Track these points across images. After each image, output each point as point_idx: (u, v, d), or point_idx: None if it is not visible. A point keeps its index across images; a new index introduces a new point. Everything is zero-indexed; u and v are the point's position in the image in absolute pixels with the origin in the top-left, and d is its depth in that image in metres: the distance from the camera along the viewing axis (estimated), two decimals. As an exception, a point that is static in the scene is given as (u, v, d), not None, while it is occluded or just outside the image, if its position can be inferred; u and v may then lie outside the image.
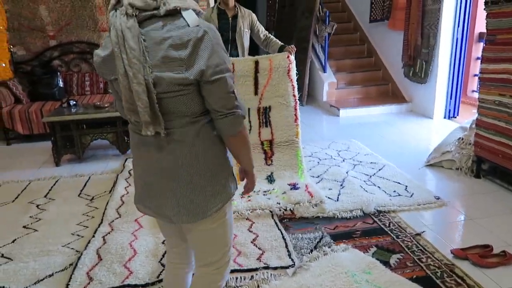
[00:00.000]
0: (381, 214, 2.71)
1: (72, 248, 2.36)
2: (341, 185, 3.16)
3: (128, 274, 2.04)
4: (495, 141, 3.04)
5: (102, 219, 2.68)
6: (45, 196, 3.14)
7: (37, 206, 2.97)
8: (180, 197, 1.19)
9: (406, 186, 3.15)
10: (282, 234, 2.42)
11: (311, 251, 2.24)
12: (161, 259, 2.18)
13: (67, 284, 1.96)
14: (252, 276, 2.00)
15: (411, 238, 2.39)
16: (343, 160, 3.78)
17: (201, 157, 1.18)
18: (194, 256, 1.43)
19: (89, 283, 1.97)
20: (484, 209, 2.74)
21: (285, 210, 2.72)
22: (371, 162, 3.71)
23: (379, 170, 3.52)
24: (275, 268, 2.08)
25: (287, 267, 2.07)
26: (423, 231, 2.47)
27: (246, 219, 2.64)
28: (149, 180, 1.23)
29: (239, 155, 1.29)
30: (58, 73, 5.14)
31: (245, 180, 1.40)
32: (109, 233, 2.49)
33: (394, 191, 3.05)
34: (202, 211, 1.22)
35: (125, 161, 3.87)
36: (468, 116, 4.62)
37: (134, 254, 2.23)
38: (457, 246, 2.28)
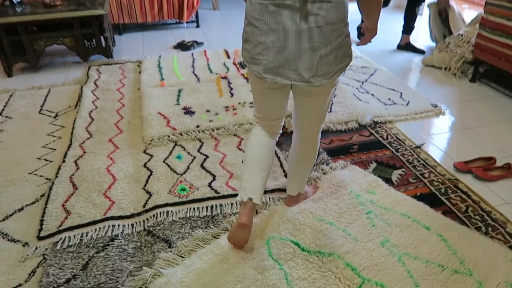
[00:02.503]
0: (377, 125, 2.54)
1: (41, 176, 2.08)
2: (333, 93, 2.91)
3: (110, 205, 1.83)
4: (500, 43, 2.80)
5: (71, 140, 2.36)
6: (0, 114, 2.73)
7: (-8, 126, 2.59)
8: (320, 58, 1.26)
9: (401, 93, 2.95)
10: (275, 151, 2.21)
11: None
12: (145, 185, 1.96)
13: (41, 220, 1.73)
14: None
15: (411, 151, 2.26)
16: (332, 65, 3.48)
17: (341, 16, 1.25)
18: (303, 120, 1.56)
19: (66, 217, 1.75)
20: (483, 117, 2.62)
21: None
22: (362, 67, 3.44)
23: (371, 75, 3.27)
24: (273, 191, 1.92)
25: (285, 190, 1.91)
26: (423, 143, 2.34)
27: (234, 135, 2.40)
28: (287, 44, 1.26)
29: (371, 17, 1.42)
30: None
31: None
32: (81, 156, 2.21)
33: (389, 99, 2.86)
34: (334, 71, 1.32)
35: (89, 70, 3.40)
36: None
37: (114, 181, 2.00)
38: (458, 158, 2.18)
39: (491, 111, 2.70)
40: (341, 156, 2.22)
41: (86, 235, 1.67)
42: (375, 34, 1.51)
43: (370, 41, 1.56)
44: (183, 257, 1.56)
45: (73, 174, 2.04)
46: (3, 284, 1.48)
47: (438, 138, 2.44)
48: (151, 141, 2.30)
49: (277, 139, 1.66)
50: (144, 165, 2.12)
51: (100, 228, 1.70)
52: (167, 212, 1.78)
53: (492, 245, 1.62)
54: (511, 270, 1.51)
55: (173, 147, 2.28)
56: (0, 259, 1.58)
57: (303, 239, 1.62)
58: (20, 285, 1.47)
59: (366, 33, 1.51)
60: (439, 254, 1.57)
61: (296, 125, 1.61)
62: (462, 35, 3.27)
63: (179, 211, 1.79)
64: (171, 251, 1.58)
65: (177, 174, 2.04)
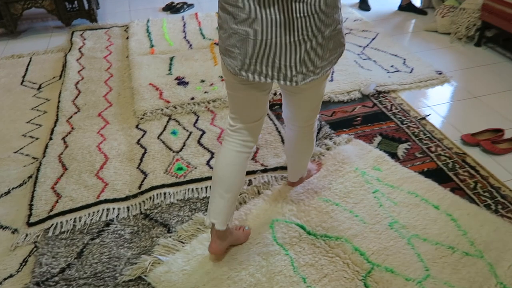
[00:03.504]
0: (380, 95, 2.43)
1: (27, 155, 1.96)
2: (325, 85, 2.76)
3: (103, 186, 1.73)
4: (510, 4, 2.64)
5: (57, 115, 2.22)
6: (-22, 86, 2.55)
7: (-29, 100, 2.41)
8: (305, 52, 1.07)
9: (404, 59, 2.81)
10: (275, 125, 2.11)
11: (311, 145, 1.97)
12: (139, 164, 1.85)
13: (30, 204, 1.63)
14: (250, 181, 1.75)
15: (417, 123, 2.17)
16: (332, 29, 3.29)
17: (332, 1, 1.05)
18: (294, 117, 1.40)
19: (57, 201, 1.65)
20: (489, 85, 2.52)
21: (274, 94, 2.36)
22: (362, 30, 3.26)
23: (373, 39, 3.11)
24: (275, 169, 1.82)
25: (286, 167, 1.82)
26: (429, 114, 2.24)
27: (231, 107, 2.27)
28: (267, 36, 1.06)
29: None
30: None
31: None
32: (69, 133, 2.07)
33: (392, 66, 2.72)
34: (323, 66, 1.13)
35: (72, 36, 3.17)
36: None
37: (106, 160, 1.88)
38: (464, 130, 2.10)
39: (498, 78, 2.59)
40: (344, 130, 2.12)
41: (79, 220, 1.58)
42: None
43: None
44: (183, 243, 1.48)
45: (61, 153, 1.92)
46: (-6, 275, 1.40)
47: (443, 108, 2.34)
48: (143, 115, 2.16)
49: (254, 149, 1.47)
50: (138, 142, 2.00)
51: (94, 213, 1.61)
52: (164, 193, 1.69)
53: (502, 224, 1.57)
54: (523, 251, 1.47)
55: (167, 122, 2.15)
56: (-12, 248, 1.49)
57: (309, 221, 1.55)
58: (11, 275, 1.39)
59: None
60: (449, 236, 1.52)
61: (286, 120, 1.46)
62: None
63: (176, 192, 1.70)
64: (170, 236, 1.51)
65: (173, 151, 1.93)
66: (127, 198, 1.68)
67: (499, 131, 2.06)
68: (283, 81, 1.13)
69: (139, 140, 2.01)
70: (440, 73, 2.64)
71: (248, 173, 1.79)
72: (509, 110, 2.28)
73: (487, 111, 2.28)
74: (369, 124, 2.17)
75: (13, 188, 1.75)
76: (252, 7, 1.03)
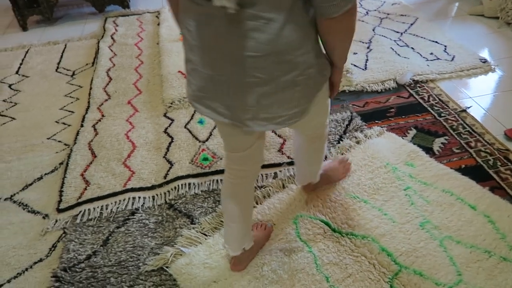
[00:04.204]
0: (417, 84, 2.29)
1: (60, 141, 2.01)
2: (368, 47, 2.64)
3: (130, 175, 1.75)
4: None
5: (88, 102, 2.26)
6: (17, 73, 2.64)
7: (10, 86, 2.50)
8: (259, 97, 0.87)
9: (445, 46, 2.63)
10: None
11: (340, 138, 1.90)
12: (166, 153, 1.86)
13: (60, 191, 1.68)
14: (275, 174, 1.71)
15: (456, 115, 2.04)
16: (367, 13, 3.14)
17: (297, 40, 0.84)
18: (298, 131, 1.29)
19: (86, 188, 1.69)
20: (540, 75, 2.32)
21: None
22: (401, 15, 3.08)
23: (411, 24, 2.93)
24: (301, 162, 1.77)
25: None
26: (470, 106, 2.10)
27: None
28: (215, 71, 0.88)
29: (335, 48, 0.93)
30: None
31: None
32: (99, 120, 2.11)
33: (431, 54, 2.56)
34: (292, 114, 0.94)
35: (105, 22, 3.21)
36: None
37: (133, 148, 1.90)
38: (509, 125, 1.95)
39: (550, 68, 2.38)
40: (376, 121, 2.03)
41: (106, 208, 1.60)
42: (341, 76, 1.05)
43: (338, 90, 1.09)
44: (206, 235, 1.48)
45: (91, 140, 1.96)
46: (25, 258, 1.45)
47: (486, 100, 2.18)
48: (171, 104, 2.16)
49: (255, 177, 1.28)
50: (165, 131, 2.00)
51: (120, 201, 1.63)
52: (189, 184, 1.68)
53: (546, 228, 1.45)
54: None
55: (195, 111, 2.13)
56: (21, 231, 1.55)
57: (334, 218, 1.50)
58: (41, 260, 1.44)
59: (333, 75, 1.02)
60: (486, 239, 1.42)
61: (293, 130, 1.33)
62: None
63: (201, 183, 1.69)
64: (193, 228, 1.51)
65: (199, 141, 1.92)
66: (152, 188, 1.69)
67: (549, 126, 1.89)
68: (237, 122, 0.94)
69: (166, 128, 2.01)
70: (484, 61, 2.45)
71: (274, 165, 1.75)
72: (561, 102, 2.09)
73: (536, 104, 2.10)
74: (403, 116, 2.06)
75: (45, 174, 1.81)
76: (201, 32, 0.85)
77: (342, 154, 1.78)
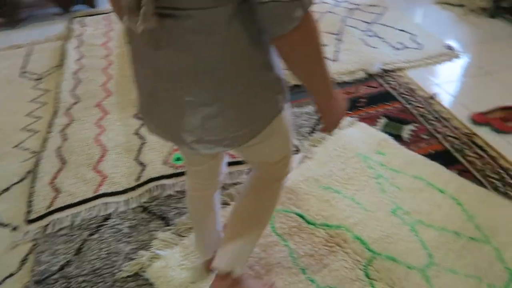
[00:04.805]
0: (386, 74, 2.33)
1: (27, 149, 1.95)
2: (338, 39, 2.66)
3: (102, 180, 1.72)
4: (527, -29, 2.48)
5: (56, 107, 2.20)
6: (-21, 79, 2.54)
7: (-28, 94, 2.41)
8: (204, 119, 0.76)
9: (413, 34, 2.69)
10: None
11: (312, 130, 1.92)
12: (138, 155, 1.83)
13: (29, 201, 1.63)
14: (250, 169, 1.71)
15: (424, 102, 2.08)
16: (337, 4, 3.16)
17: (239, 53, 0.71)
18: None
19: (56, 197, 1.65)
20: (504, 60, 2.39)
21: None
22: (370, 5, 3.12)
23: (380, 15, 2.97)
24: (274, 157, 1.78)
25: (287, 154, 1.77)
26: (436, 93, 2.15)
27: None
28: (154, 89, 0.78)
29: (294, 72, 0.74)
30: None
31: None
32: (68, 125, 2.06)
33: (400, 43, 2.60)
34: (242, 135, 0.81)
35: (71, 23, 3.12)
36: None
37: (104, 152, 1.86)
38: (475, 109, 2.00)
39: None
40: (347, 112, 2.05)
41: (78, 216, 1.57)
42: (332, 114, 0.85)
43: (334, 129, 0.90)
44: (181, 236, 1.47)
45: (60, 147, 1.91)
46: (-5, 273, 1.41)
47: (453, 86, 2.23)
48: (141, 105, 2.12)
49: (215, 189, 1.15)
50: (136, 132, 1.97)
51: (92, 207, 1.60)
52: (163, 185, 1.67)
53: (511, 207, 1.50)
54: (532, 235, 1.41)
55: (166, 110, 2.11)
56: (-10, 245, 1.50)
57: (308, 210, 1.51)
58: (12, 274, 1.40)
59: (318, 111, 0.86)
60: (455, 221, 1.47)
61: None
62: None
63: (175, 183, 1.68)
64: (169, 230, 1.49)
65: (171, 141, 1.90)
66: (125, 191, 1.66)
67: (511, 108, 1.95)
68: (182, 145, 0.84)
69: (137, 130, 1.98)
70: (450, 48, 2.51)
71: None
72: (523, 85, 2.16)
73: (500, 88, 2.17)
74: (373, 106, 2.09)
75: (13, 184, 1.75)
76: (132, 45, 0.77)
77: (315, 146, 1.79)
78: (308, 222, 1.48)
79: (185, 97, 0.74)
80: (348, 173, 1.65)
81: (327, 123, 0.88)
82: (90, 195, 1.64)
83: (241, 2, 0.65)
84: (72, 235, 1.50)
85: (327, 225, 1.46)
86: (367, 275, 1.32)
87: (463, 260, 1.35)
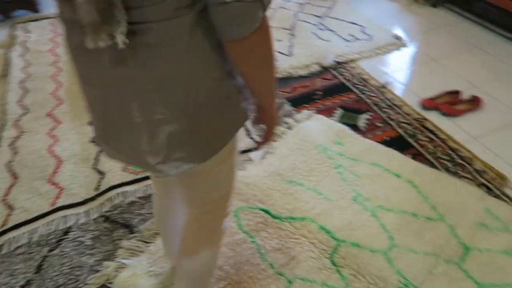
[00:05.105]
0: (340, 66, 2.39)
1: (-26, 167, 1.83)
2: (291, 34, 2.70)
3: (58, 192, 1.65)
4: (462, -39, 2.63)
5: (3, 119, 2.08)
6: None
7: None
8: (170, 137, 0.72)
9: (362, 26, 2.77)
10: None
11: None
12: (95, 163, 1.77)
13: (-20, 221, 1.54)
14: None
15: (377, 91, 2.16)
16: (288, 0, 3.21)
17: (192, 71, 0.68)
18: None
19: (9, 214, 1.56)
20: (446, 46, 2.53)
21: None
22: (320, -1, 3.18)
23: (330, 8, 3.04)
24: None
25: (249, 150, 1.79)
26: (388, 82, 2.24)
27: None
28: (108, 112, 0.73)
29: (248, 77, 0.73)
30: None
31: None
32: (18, 137, 1.95)
33: (351, 35, 2.68)
34: (210, 150, 0.79)
35: (14, 29, 2.95)
36: None
37: (59, 163, 1.79)
38: (424, 94, 2.11)
39: (454, 39, 2.60)
40: (305, 105, 2.09)
41: (36, 232, 1.50)
42: (274, 118, 0.85)
43: (273, 139, 0.91)
44: (147, 243, 1.44)
45: (11, 161, 1.81)
46: None
47: (402, 74, 2.34)
48: (96, 111, 2.05)
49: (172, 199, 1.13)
50: (92, 140, 1.90)
51: (50, 222, 1.53)
52: (124, 192, 1.63)
53: (462, 186, 1.60)
54: (481, 210, 1.51)
55: (122, 115, 2.05)
56: None
57: (273, 205, 1.54)
58: (-33, 300, 1.32)
59: (261, 118, 0.85)
60: (412, 203, 1.54)
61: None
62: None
63: (137, 189, 1.64)
64: (133, 237, 1.46)
65: (130, 147, 1.85)
66: (84, 202, 1.61)
67: (456, 92, 2.08)
68: (148, 169, 0.82)
69: (93, 138, 1.92)
70: (397, 38, 2.62)
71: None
72: (466, 70, 2.30)
73: (446, 74, 2.29)
74: (329, 97, 2.15)
75: (-39, 205, 1.64)
76: (87, 61, 0.70)
77: (275, 141, 1.82)
78: (274, 217, 1.50)
79: (147, 117, 0.70)
80: (310, 164, 1.69)
81: (269, 129, 0.87)
82: (47, 209, 1.57)
83: (202, 9, 0.64)
84: (30, 253, 1.43)
85: (292, 218, 1.48)
86: (333, 263, 1.36)
87: (421, 240, 1.42)
